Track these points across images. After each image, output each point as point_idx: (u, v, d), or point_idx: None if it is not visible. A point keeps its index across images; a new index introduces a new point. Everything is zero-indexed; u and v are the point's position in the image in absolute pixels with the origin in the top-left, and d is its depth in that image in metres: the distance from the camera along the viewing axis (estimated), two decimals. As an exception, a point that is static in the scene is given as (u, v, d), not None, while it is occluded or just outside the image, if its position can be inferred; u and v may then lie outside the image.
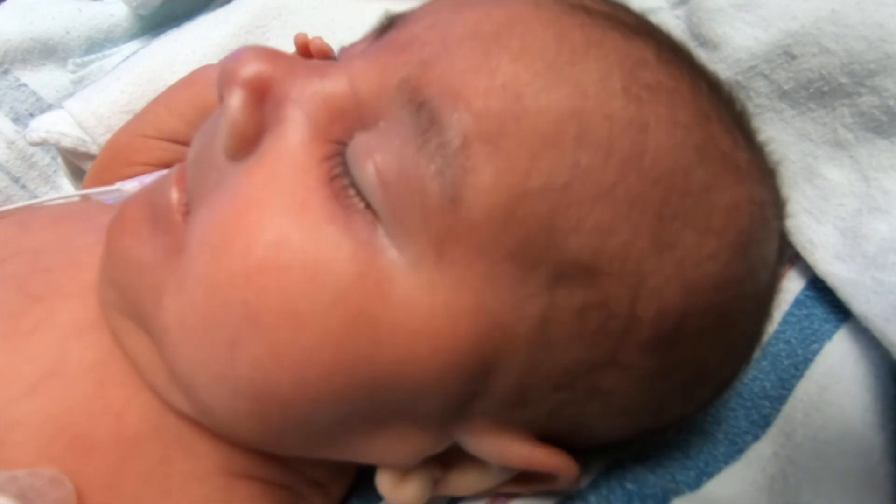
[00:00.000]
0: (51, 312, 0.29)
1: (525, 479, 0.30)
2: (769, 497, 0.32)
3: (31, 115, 0.52)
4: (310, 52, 0.40)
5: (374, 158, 0.24)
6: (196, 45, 0.51)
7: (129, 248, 0.28)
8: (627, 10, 0.28)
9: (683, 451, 0.34)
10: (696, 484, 0.33)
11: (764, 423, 0.35)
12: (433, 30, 0.26)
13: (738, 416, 0.36)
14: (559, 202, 0.23)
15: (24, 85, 0.54)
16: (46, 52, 0.54)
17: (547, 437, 0.28)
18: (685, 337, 0.26)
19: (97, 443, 0.27)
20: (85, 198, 0.40)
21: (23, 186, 0.52)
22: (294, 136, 0.25)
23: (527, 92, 0.24)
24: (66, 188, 0.52)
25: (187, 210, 0.27)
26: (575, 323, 0.24)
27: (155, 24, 0.58)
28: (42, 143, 0.48)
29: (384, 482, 0.29)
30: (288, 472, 0.31)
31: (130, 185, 0.39)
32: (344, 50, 0.31)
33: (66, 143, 0.47)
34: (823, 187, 0.40)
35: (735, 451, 0.34)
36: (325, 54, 0.40)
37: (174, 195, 0.27)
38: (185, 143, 0.29)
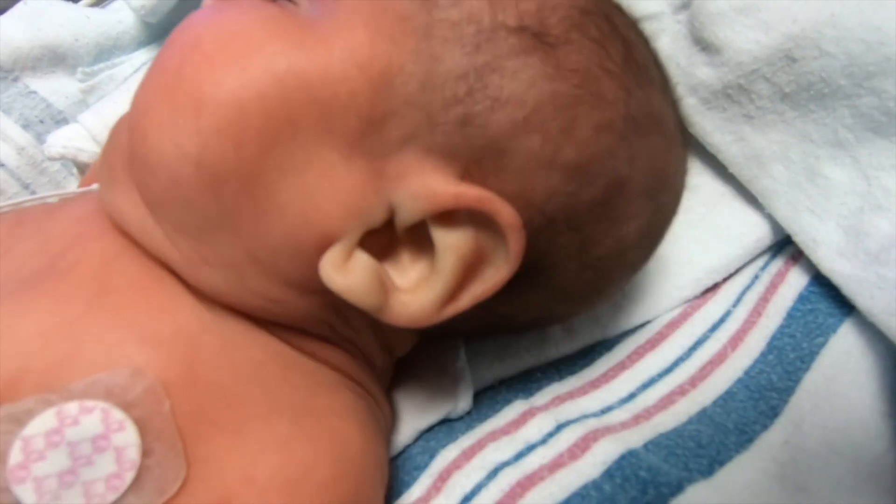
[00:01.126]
0: (83, 251, 0.31)
1: (476, 272, 0.30)
2: (781, 483, 0.33)
3: (41, 122, 0.53)
4: None
5: None
6: (204, 52, 0.51)
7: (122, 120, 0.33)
8: None
9: (695, 440, 0.35)
10: (708, 471, 0.34)
11: (772, 413, 0.36)
12: None
13: (746, 407, 0.37)
14: None
15: (34, 92, 0.54)
16: (56, 59, 0.54)
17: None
18: (553, 44, 0.29)
19: (162, 338, 0.29)
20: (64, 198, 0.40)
21: (33, 192, 0.52)
22: None
23: None
24: (76, 194, 0.53)
25: None
26: (452, 33, 0.29)
27: (163, 31, 0.59)
28: (60, 158, 0.49)
29: (326, 264, 0.29)
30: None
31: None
32: None
33: (84, 157, 0.48)
34: (825, 186, 0.40)
35: (745, 440, 0.35)
36: None
37: None
38: None
